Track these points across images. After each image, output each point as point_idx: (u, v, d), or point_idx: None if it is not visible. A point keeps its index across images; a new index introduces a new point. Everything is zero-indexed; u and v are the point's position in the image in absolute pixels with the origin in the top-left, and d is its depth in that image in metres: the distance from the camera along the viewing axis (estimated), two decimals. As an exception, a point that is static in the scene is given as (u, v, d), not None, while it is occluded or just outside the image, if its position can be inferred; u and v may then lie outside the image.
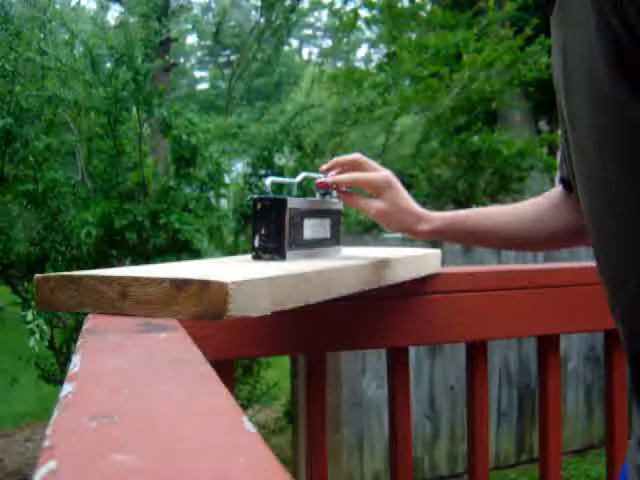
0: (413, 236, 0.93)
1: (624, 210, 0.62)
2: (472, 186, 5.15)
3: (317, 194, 0.92)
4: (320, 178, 0.94)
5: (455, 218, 0.94)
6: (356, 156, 0.90)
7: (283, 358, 4.26)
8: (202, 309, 0.55)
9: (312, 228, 0.87)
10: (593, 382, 4.20)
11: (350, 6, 6.40)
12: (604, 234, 0.66)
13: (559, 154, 0.95)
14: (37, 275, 0.61)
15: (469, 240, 0.98)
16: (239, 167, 3.93)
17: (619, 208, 0.62)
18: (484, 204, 5.43)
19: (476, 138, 5.18)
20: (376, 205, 0.89)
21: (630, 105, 0.57)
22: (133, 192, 3.20)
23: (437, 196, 5.16)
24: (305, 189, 3.32)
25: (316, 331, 0.99)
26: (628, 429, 1.19)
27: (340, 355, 3.43)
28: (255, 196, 0.82)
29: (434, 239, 0.95)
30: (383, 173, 0.90)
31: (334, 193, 0.93)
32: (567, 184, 0.94)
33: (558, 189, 0.97)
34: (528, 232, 0.96)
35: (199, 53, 21.51)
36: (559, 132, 0.94)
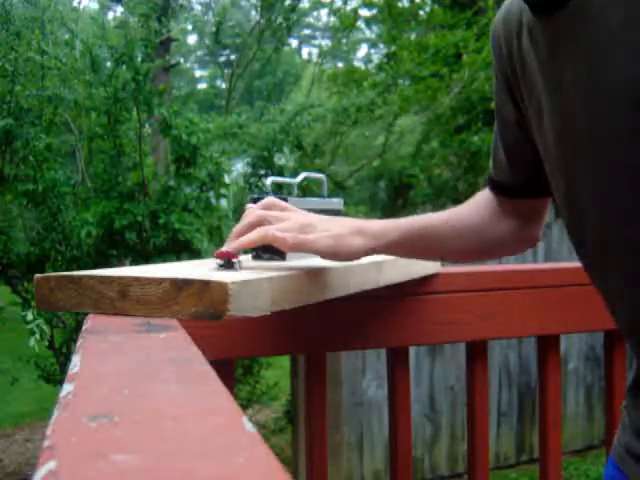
0: (368, 255, 0.78)
1: None
2: (472, 186, 5.15)
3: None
4: (319, 177, 0.94)
5: (408, 231, 0.80)
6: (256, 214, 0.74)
7: (283, 358, 4.26)
8: (202, 309, 0.55)
9: (312, 228, 0.87)
10: (593, 382, 4.20)
11: (350, 6, 6.39)
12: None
13: (492, 161, 0.90)
14: (37, 275, 0.61)
15: (423, 255, 0.88)
16: (239, 167, 3.93)
17: None
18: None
19: (476, 138, 5.18)
20: (318, 237, 0.72)
21: None
22: (133, 192, 3.20)
23: (437, 196, 5.16)
24: (305, 189, 3.32)
25: (316, 331, 0.99)
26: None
27: (340, 355, 3.43)
28: (255, 196, 0.81)
29: (391, 255, 0.83)
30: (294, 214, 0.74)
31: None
32: (502, 187, 0.89)
33: (488, 195, 0.91)
34: (472, 243, 0.88)
35: (199, 52, 21.51)
36: (495, 131, 0.88)
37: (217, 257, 0.70)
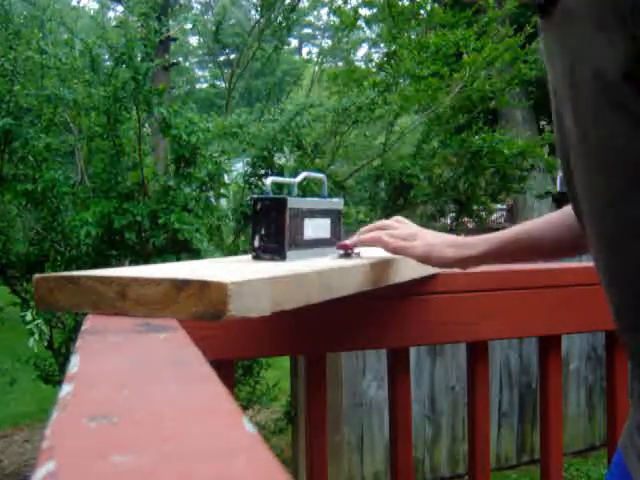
0: (464, 266, 0.92)
1: (631, 215, 0.61)
2: (473, 186, 5.15)
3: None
4: (319, 177, 0.94)
5: (505, 240, 0.92)
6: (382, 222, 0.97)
7: (283, 358, 4.25)
8: (202, 309, 0.55)
9: (312, 228, 0.87)
10: (595, 383, 4.20)
11: (350, 5, 6.39)
12: (609, 241, 0.66)
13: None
14: (36, 275, 0.61)
15: (522, 258, 0.97)
16: (239, 167, 3.93)
17: (624, 216, 0.62)
18: (484, 204, 5.42)
19: (477, 138, 5.18)
20: (416, 244, 0.90)
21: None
22: (132, 192, 3.20)
23: (437, 196, 5.16)
24: (305, 189, 3.32)
25: (316, 331, 0.99)
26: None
27: (340, 355, 3.43)
28: (255, 196, 0.81)
29: (486, 264, 0.95)
30: (409, 228, 0.93)
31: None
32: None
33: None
34: (568, 238, 0.93)
35: (200, 52, 21.53)
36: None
37: (338, 248, 0.89)
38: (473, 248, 0.91)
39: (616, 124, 0.60)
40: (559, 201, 7.19)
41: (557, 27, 0.65)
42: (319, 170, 3.73)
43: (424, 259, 0.90)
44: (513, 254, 0.93)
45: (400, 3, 6.08)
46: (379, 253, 0.94)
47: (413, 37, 5.70)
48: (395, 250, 0.90)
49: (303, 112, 3.71)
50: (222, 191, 3.52)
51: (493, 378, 3.90)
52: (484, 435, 1.12)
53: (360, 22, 6.99)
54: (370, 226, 0.96)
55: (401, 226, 0.94)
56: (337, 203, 0.95)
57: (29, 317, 2.76)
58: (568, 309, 1.12)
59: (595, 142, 0.63)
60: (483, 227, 5.19)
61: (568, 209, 0.95)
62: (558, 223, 0.94)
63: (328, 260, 0.83)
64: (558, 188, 8.47)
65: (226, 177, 3.59)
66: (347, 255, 0.89)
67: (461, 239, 0.92)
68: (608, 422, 1.20)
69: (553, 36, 0.67)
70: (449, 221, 5.48)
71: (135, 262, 3.17)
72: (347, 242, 0.90)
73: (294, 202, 0.82)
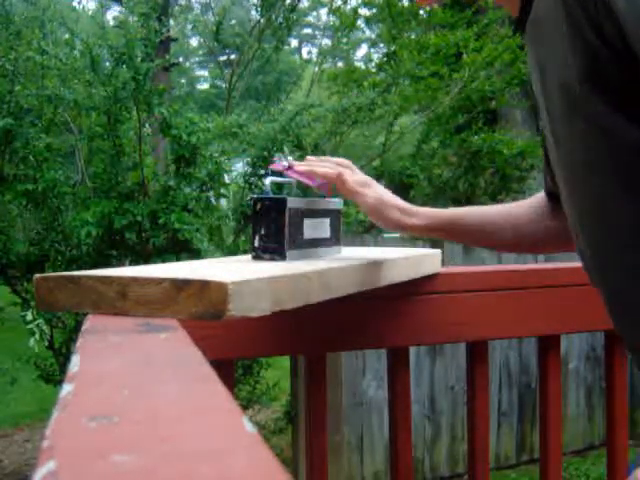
0: (403, 231, 0.92)
1: (610, 220, 0.63)
2: (472, 186, 5.15)
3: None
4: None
5: (452, 217, 0.93)
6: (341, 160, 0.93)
7: (283, 358, 4.26)
8: (202, 309, 0.55)
9: (312, 228, 0.87)
10: (594, 382, 4.20)
11: (350, 5, 6.39)
12: (594, 246, 0.68)
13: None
14: (36, 275, 0.61)
15: (464, 239, 0.98)
16: (239, 167, 3.93)
17: (605, 218, 0.64)
18: (484, 204, 5.42)
19: (476, 138, 5.18)
20: (368, 194, 0.90)
21: (605, 116, 0.59)
22: (133, 192, 3.20)
23: (437, 196, 5.16)
24: (305, 189, 3.31)
25: (316, 331, 0.99)
26: (629, 429, 1.19)
27: (340, 355, 3.43)
28: (255, 196, 0.81)
29: (427, 236, 0.95)
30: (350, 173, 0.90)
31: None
32: (551, 196, 0.94)
33: (543, 196, 0.97)
34: (520, 233, 0.95)
35: (200, 52, 21.52)
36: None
37: (269, 167, 0.86)
38: (416, 217, 0.91)
39: (582, 130, 0.61)
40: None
41: (529, 39, 0.68)
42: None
43: (371, 212, 0.89)
44: (459, 235, 0.94)
45: (400, 3, 6.08)
46: (378, 253, 0.94)
47: (413, 37, 5.70)
48: (349, 192, 0.88)
49: (303, 112, 3.71)
50: (222, 191, 3.52)
51: (493, 378, 3.90)
52: (483, 435, 1.12)
53: (360, 22, 6.99)
54: (326, 157, 0.93)
55: (358, 171, 0.92)
56: (337, 203, 0.95)
57: (29, 317, 2.76)
58: (568, 309, 1.12)
59: (566, 148, 0.65)
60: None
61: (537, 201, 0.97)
62: (519, 215, 0.96)
63: (328, 260, 0.83)
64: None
65: (226, 177, 3.59)
66: (280, 175, 0.85)
67: (408, 206, 0.92)
68: (607, 422, 1.20)
69: (528, 48, 0.69)
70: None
71: (135, 262, 3.17)
72: (287, 163, 0.86)
73: (294, 202, 0.82)
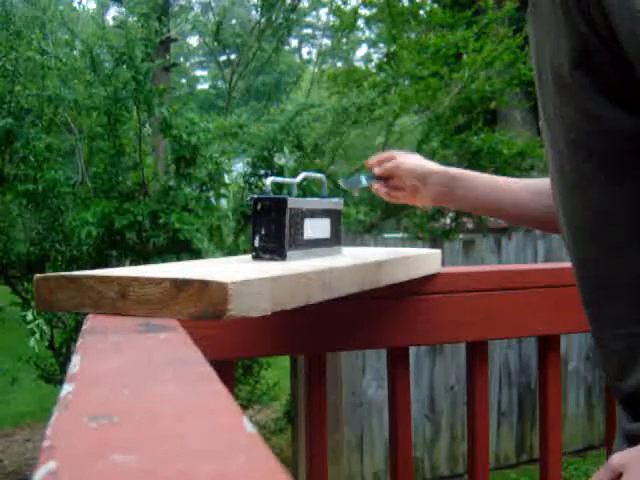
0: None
1: (593, 201, 0.66)
2: (472, 186, 5.14)
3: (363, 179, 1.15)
4: (319, 177, 0.94)
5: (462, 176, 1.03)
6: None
7: (283, 358, 4.26)
8: (202, 309, 0.55)
9: (312, 228, 0.87)
10: (593, 382, 4.20)
11: (350, 5, 6.39)
12: (574, 223, 0.71)
13: None
14: (37, 275, 0.61)
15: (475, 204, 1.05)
16: (239, 167, 3.93)
17: (588, 199, 0.67)
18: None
19: (476, 138, 5.18)
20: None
21: (593, 102, 0.61)
22: (133, 192, 3.20)
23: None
24: (305, 189, 3.32)
25: (316, 331, 0.99)
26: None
27: (340, 355, 3.43)
28: (255, 196, 0.81)
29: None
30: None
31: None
32: None
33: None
34: (531, 205, 0.99)
35: (200, 52, 21.51)
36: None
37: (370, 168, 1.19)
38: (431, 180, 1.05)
39: (570, 111, 0.64)
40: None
41: (529, 18, 0.71)
42: (319, 170, 3.73)
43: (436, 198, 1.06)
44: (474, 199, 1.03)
45: (400, 3, 6.08)
46: (378, 253, 0.94)
47: (413, 37, 5.69)
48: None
49: (303, 112, 3.71)
50: (222, 191, 3.52)
51: (492, 378, 3.90)
52: (483, 434, 1.12)
53: (360, 22, 6.99)
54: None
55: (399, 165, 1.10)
56: (337, 203, 0.95)
57: (30, 317, 2.76)
58: (567, 309, 1.12)
59: (555, 128, 0.68)
60: (483, 227, 5.19)
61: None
62: (519, 190, 1.01)
63: (328, 260, 0.83)
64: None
65: (226, 177, 3.59)
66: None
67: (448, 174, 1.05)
68: (607, 422, 1.20)
69: (529, 29, 0.72)
70: (448, 221, 5.47)
71: (136, 262, 3.17)
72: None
73: (294, 202, 0.82)
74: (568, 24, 0.60)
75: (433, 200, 1.06)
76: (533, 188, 1.00)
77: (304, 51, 25.28)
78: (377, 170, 1.12)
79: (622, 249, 0.66)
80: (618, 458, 0.66)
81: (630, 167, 0.63)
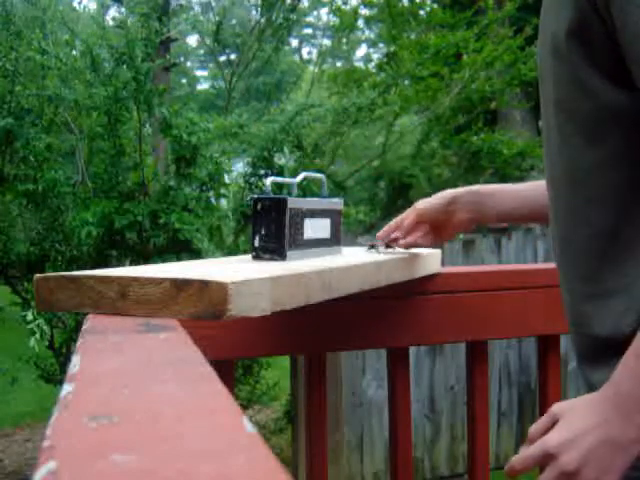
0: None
1: (569, 158, 0.72)
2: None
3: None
4: (319, 177, 0.94)
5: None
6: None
7: (283, 358, 4.25)
8: (202, 309, 0.55)
9: (312, 228, 0.87)
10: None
11: (350, 5, 6.39)
12: (552, 177, 0.76)
13: None
14: (37, 275, 0.61)
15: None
16: (239, 167, 3.93)
17: (565, 155, 0.72)
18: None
19: (476, 138, 5.18)
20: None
21: (583, 71, 0.66)
22: (133, 192, 3.20)
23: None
24: (305, 189, 3.32)
25: (316, 331, 0.99)
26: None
27: (340, 355, 3.43)
28: (255, 196, 0.81)
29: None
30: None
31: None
32: None
33: None
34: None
35: (200, 52, 21.51)
36: None
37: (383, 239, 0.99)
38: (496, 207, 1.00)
39: (558, 75, 0.70)
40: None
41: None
42: (319, 170, 3.72)
43: (470, 223, 1.02)
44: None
45: (400, 3, 6.07)
46: (380, 254, 0.94)
47: (413, 37, 5.69)
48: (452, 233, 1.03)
49: (303, 112, 3.71)
50: (222, 191, 3.52)
51: (492, 378, 3.90)
52: (483, 434, 1.12)
53: (360, 22, 6.98)
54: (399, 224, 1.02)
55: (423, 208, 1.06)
56: (337, 203, 0.95)
57: (30, 317, 2.76)
58: (567, 309, 1.12)
59: (545, 93, 0.74)
60: (483, 227, 5.19)
61: None
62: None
63: (328, 260, 0.83)
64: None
65: (226, 177, 3.59)
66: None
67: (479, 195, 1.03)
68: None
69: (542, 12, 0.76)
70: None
71: (136, 262, 3.17)
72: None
73: (294, 202, 0.82)
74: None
75: (466, 224, 1.01)
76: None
77: (304, 51, 25.28)
78: (402, 242, 0.99)
79: (583, 207, 0.71)
80: (557, 406, 0.73)
81: (608, 133, 0.68)
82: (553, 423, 0.71)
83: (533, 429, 0.75)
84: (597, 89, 0.66)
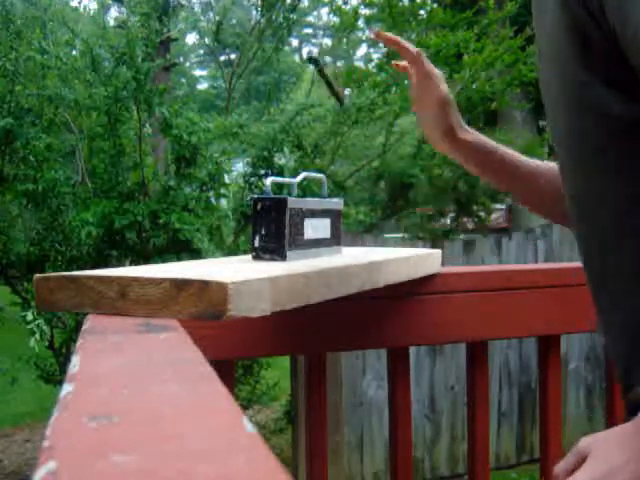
0: (453, 140, 0.93)
1: (584, 185, 0.66)
2: (472, 186, 5.15)
3: None
4: (319, 177, 0.94)
5: (497, 147, 0.95)
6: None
7: (283, 358, 4.26)
8: (202, 309, 0.55)
9: (312, 228, 0.87)
10: (594, 383, 4.20)
11: (350, 5, 6.40)
12: (583, 219, 0.69)
13: None
14: (37, 275, 0.61)
15: (498, 175, 0.97)
16: (239, 167, 3.93)
17: (592, 194, 0.66)
18: (484, 204, 5.42)
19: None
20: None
21: (592, 88, 0.61)
22: (133, 192, 3.20)
23: (437, 196, 5.16)
24: (305, 189, 3.32)
25: (316, 331, 0.99)
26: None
27: (340, 355, 3.43)
28: (255, 196, 0.81)
29: (465, 157, 0.95)
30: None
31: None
32: None
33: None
34: (543, 191, 0.95)
35: (200, 52, 21.51)
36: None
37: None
38: (468, 133, 0.94)
39: (570, 105, 0.64)
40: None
41: (533, 3, 0.71)
42: (319, 170, 3.73)
43: (441, 101, 0.93)
44: (496, 169, 0.94)
45: (400, 3, 6.07)
46: (378, 253, 0.94)
47: (413, 38, 5.69)
48: (428, 70, 0.94)
49: (303, 112, 3.72)
50: (222, 191, 3.52)
51: (493, 378, 3.90)
52: (484, 435, 1.12)
53: (360, 22, 6.98)
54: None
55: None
56: (337, 203, 0.95)
57: (30, 317, 2.76)
58: (568, 309, 1.12)
59: (552, 122, 0.69)
60: (483, 227, 5.19)
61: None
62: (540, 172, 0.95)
63: (328, 260, 0.83)
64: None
65: (226, 177, 3.59)
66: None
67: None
68: (607, 422, 1.20)
69: (534, 15, 0.72)
70: (449, 221, 5.48)
71: (136, 262, 3.17)
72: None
73: (294, 202, 0.82)
74: (564, 8, 0.61)
75: (446, 134, 0.94)
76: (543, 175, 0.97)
77: (304, 51, 25.29)
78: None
79: (615, 233, 0.65)
80: (584, 441, 0.65)
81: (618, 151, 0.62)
82: (580, 461, 0.64)
83: (558, 468, 0.66)
84: (604, 108, 0.61)
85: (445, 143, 0.95)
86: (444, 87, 0.93)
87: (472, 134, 0.94)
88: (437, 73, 0.94)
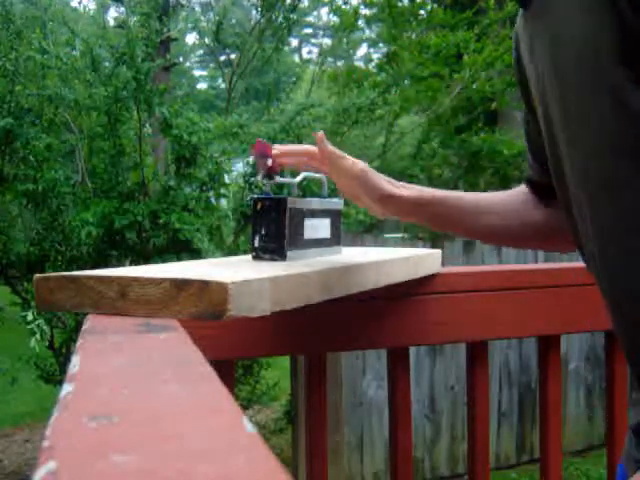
0: (389, 205, 0.83)
1: (625, 202, 0.60)
2: (472, 186, 5.15)
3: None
4: (319, 177, 0.94)
5: (438, 195, 0.88)
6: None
7: (283, 358, 4.26)
8: (202, 309, 0.55)
9: (312, 228, 0.87)
10: (594, 383, 4.20)
11: (350, 4, 6.40)
12: (605, 232, 0.63)
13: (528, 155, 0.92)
14: (37, 275, 0.61)
15: (448, 224, 0.91)
16: (239, 167, 3.93)
17: (621, 200, 0.60)
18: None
19: (476, 138, 5.18)
20: (356, 160, 0.81)
21: (629, 93, 0.56)
22: (133, 192, 3.20)
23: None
24: (305, 189, 3.32)
25: (316, 331, 0.99)
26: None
27: (340, 355, 3.43)
28: (255, 196, 0.81)
29: (410, 215, 0.87)
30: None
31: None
32: (535, 185, 0.90)
33: (524, 189, 0.93)
34: (499, 224, 0.90)
35: (200, 52, 21.51)
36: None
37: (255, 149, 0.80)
38: (406, 189, 0.84)
39: (603, 107, 0.59)
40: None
41: (536, 12, 0.67)
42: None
43: (357, 178, 0.80)
44: (442, 216, 0.88)
45: (400, 3, 6.08)
46: (378, 253, 0.94)
47: (413, 38, 5.69)
48: (332, 157, 0.79)
49: (303, 112, 3.72)
50: (222, 191, 3.52)
51: (493, 378, 3.90)
52: (484, 435, 1.12)
53: (360, 22, 6.99)
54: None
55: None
56: (337, 203, 0.95)
57: (30, 317, 2.76)
58: (568, 309, 1.12)
59: (580, 126, 0.62)
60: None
61: (518, 193, 0.94)
62: (505, 203, 0.91)
63: (328, 260, 0.83)
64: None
65: (226, 177, 3.59)
66: (270, 177, 0.81)
67: (393, 180, 0.85)
68: (607, 422, 1.20)
69: (529, 22, 0.69)
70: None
71: (136, 262, 3.17)
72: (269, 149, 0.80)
73: (294, 202, 0.82)
74: (604, 9, 0.56)
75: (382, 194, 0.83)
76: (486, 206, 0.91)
77: (304, 51, 25.29)
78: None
79: None
80: None
81: None
82: None
83: None
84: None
85: (380, 207, 0.84)
86: (355, 161, 0.81)
87: (408, 189, 0.85)
88: (339, 153, 0.80)
